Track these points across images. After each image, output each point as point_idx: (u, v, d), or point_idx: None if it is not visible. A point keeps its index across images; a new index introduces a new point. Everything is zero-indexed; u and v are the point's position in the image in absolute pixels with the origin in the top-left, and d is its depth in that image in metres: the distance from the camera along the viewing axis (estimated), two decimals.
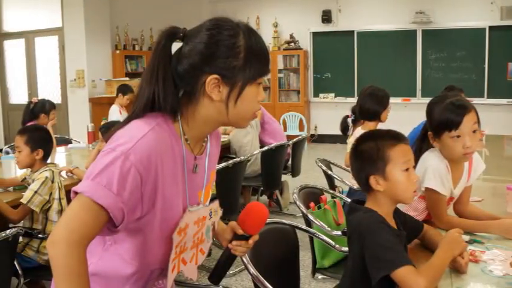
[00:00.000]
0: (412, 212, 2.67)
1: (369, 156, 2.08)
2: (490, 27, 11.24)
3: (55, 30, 11.06)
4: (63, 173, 4.24)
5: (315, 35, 12.90)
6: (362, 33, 12.37)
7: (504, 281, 1.98)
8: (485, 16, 11.24)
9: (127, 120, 1.57)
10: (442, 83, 10.19)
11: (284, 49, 13.01)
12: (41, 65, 11.63)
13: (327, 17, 12.55)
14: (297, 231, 2.87)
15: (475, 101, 7.68)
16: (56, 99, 10.77)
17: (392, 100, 4.68)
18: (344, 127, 5.12)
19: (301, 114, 12.64)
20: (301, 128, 12.53)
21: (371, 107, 4.43)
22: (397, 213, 2.21)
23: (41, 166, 3.74)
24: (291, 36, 12.90)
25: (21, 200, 3.51)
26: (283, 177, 6.74)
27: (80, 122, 10.08)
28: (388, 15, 12.03)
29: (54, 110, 6.24)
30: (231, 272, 4.71)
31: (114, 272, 1.61)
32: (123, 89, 7.69)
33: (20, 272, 3.35)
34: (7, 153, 5.86)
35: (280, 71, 13.06)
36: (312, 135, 13.01)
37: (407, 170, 2.06)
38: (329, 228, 3.24)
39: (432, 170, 2.58)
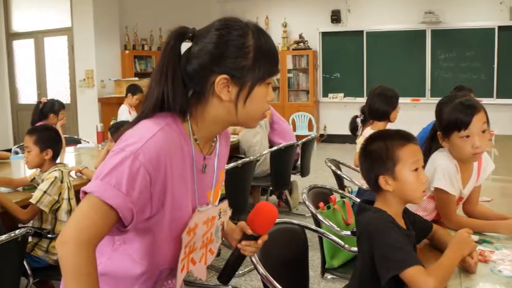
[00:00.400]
0: (421, 212, 2.67)
1: (378, 156, 2.08)
2: (499, 27, 11.17)
3: (64, 30, 11.09)
4: (73, 173, 4.26)
5: (324, 35, 12.86)
6: (371, 33, 12.33)
7: None
8: (494, 16, 11.18)
9: (136, 120, 1.57)
10: (451, 83, 10.17)
11: (293, 49, 12.98)
12: (50, 65, 11.65)
13: (336, 17, 12.52)
14: (306, 231, 2.87)
15: (484, 101, 7.65)
16: (65, 99, 10.76)
17: (401, 100, 4.66)
18: (353, 127, 5.13)
19: (311, 114, 12.60)
20: (310, 128, 12.50)
21: (380, 107, 4.42)
22: (407, 213, 2.21)
23: (50, 166, 3.75)
24: (300, 36, 12.88)
25: (30, 200, 3.52)
26: (293, 177, 6.73)
27: (89, 122, 10.13)
28: (398, 15, 11.99)
29: (64, 110, 6.27)
30: (240, 272, 4.71)
31: (123, 272, 1.61)
32: (133, 89, 7.71)
33: (29, 272, 3.36)
34: (16, 153, 5.88)
35: (289, 71, 13.03)
36: (321, 135, 12.98)
37: (416, 170, 2.06)
38: (338, 228, 3.23)
39: (441, 170, 2.57)
